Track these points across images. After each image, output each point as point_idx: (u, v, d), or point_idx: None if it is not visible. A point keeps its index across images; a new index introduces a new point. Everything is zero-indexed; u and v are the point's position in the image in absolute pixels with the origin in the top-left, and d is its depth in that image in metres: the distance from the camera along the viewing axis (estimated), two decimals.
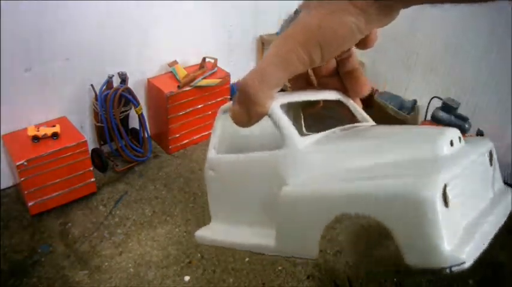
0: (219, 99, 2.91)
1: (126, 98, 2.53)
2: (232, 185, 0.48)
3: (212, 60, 2.94)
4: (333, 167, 0.39)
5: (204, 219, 2.38)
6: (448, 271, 0.31)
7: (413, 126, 0.69)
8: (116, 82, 2.54)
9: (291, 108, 0.52)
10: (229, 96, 3.00)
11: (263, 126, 0.41)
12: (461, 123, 3.01)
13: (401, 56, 3.48)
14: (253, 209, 0.45)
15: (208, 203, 0.52)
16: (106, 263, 2.06)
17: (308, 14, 0.34)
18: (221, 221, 0.51)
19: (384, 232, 0.32)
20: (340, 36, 0.34)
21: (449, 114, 3.08)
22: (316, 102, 0.48)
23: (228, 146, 0.51)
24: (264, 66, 0.35)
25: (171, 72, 2.86)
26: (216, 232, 0.51)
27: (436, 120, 3.15)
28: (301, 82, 0.46)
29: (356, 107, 0.47)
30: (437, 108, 3.16)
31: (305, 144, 0.41)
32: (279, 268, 2.13)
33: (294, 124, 0.42)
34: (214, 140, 0.50)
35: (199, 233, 0.52)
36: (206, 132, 2.98)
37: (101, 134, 2.62)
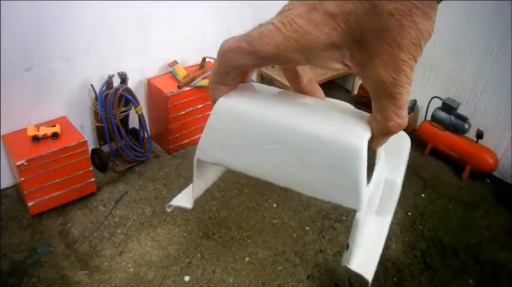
0: None
1: (126, 98, 2.53)
2: None
3: (212, 60, 2.94)
4: None
5: (204, 219, 2.38)
6: None
7: None
8: (116, 82, 2.54)
9: None
10: None
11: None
12: (461, 123, 3.02)
13: None
14: None
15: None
16: (106, 263, 2.06)
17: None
18: None
19: None
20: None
21: (449, 114, 3.08)
22: None
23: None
24: None
25: (171, 72, 2.86)
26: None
27: (436, 120, 3.15)
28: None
29: None
30: (437, 108, 3.16)
31: None
32: (279, 268, 2.13)
33: None
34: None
35: None
36: None
37: (101, 134, 2.62)
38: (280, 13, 0.34)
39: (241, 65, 0.37)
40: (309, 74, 0.43)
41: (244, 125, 0.40)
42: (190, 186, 0.54)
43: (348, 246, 0.41)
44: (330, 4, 0.31)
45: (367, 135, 0.37)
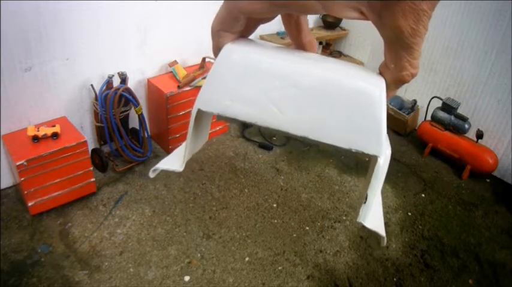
0: None
1: (126, 98, 2.53)
2: None
3: (212, 60, 2.93)
4: None
5: (204, 219, 2.38)
6: None
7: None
8: (116, 82, 2.54)
9: None
10: None
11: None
12: (461, 123, 3.02)
13: None
14: None
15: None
16: (106, 263, 2.06)
17: None
18: None
19: None
20: None
21: (449, 114, 3.08)
22: None
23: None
24: None
25: (171, 72, 2.86)
26: None
27: (436, 120, 3.15)
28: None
29: None
30: (437, 108, 3.16)
31: None
32: (279, 268, 2.13)
33: None
34: None
35: None
36: None
37: (101, 134, 2.62)
38: None
39: (253, 11, 0.35)
40: (308, 27, 0.42)
41: (256, 69, 0.38)
42: (180, 147, 0.49)
43: (366, 199, 0.39)
44: None
45: (384, 83, 0.37)
